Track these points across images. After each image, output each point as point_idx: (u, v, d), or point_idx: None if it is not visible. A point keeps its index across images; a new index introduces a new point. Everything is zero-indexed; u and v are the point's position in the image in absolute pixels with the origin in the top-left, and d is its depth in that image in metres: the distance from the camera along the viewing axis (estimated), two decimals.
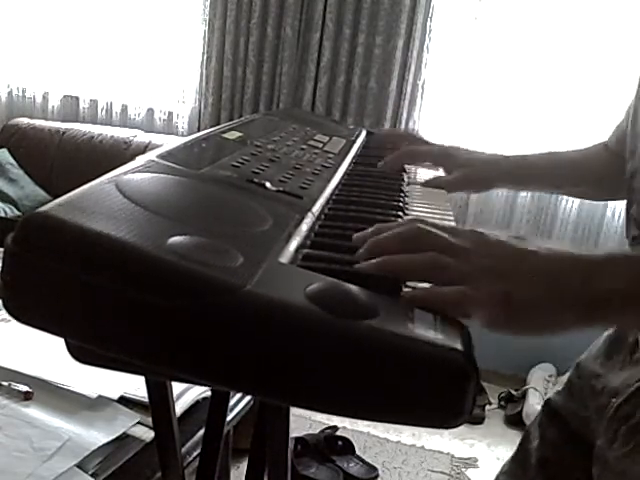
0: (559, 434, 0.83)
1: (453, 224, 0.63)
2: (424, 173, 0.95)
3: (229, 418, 0.94)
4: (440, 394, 0.36)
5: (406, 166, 0.95)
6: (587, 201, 2.55)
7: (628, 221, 0.76)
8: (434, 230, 0.48)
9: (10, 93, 3.24)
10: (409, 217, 0.66)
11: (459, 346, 0.36)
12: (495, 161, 0.92)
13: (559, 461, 0.82)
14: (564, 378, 0.89)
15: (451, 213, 0.72)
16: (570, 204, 2.57)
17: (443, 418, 0.37)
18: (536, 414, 0.90)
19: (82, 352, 0.42)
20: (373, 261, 0.46)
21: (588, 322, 0.47)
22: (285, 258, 0.44)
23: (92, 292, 0.36)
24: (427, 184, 0.89)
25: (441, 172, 0.95)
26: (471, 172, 0.90)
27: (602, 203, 2.51)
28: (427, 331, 0.37)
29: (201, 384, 0.41)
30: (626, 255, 0.51)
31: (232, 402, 1.00)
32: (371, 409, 0.37)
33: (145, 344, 0.37)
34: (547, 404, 0.87)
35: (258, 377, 0.36)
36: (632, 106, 0.79)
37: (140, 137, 2.76)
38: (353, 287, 0.39)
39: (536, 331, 0.45)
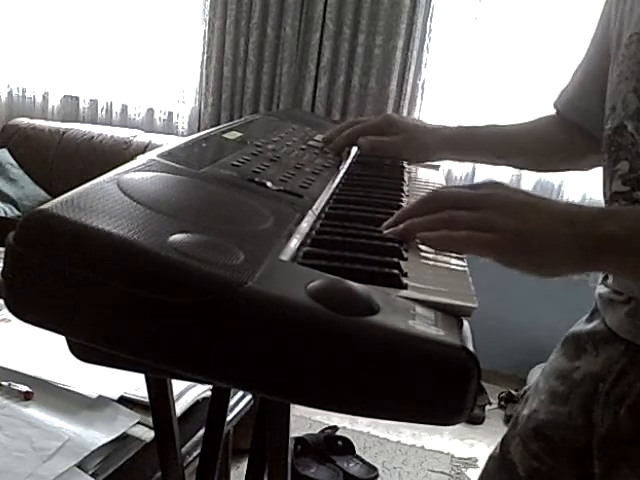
0: (540, 445, 0.82)
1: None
2: (425, 172, 0.95)
3: (229, 418, 0.94)
4: (441, 391, 0.36)
5: (406, 166, 0.95)
6: (588, 200, 2.55)
7: (609, 179, 0.75)
8: (449, 189, 0.54)
9: (10, 93, 3.25)
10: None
11: (460, 342, 0.36)
12: (437, 129, 0.92)
13: (545, 470, 0.81)
14: None
15: None
16: (570, 201, 2.57)
17: (444, 415, 0.37)
18: None
19: (83, 350, 0.42)
20: (396, 227, 0.53)
21: (591, 264, 0.53)
22: (286, 256, 0.44)
23: (93, 290, 0.36)
24: (362, 144, 0.87)
25: (441, 176, 0.95)
26: (410, 137, 0.89)
27: (602, 202, 2.51)
28: (428, 328, 0.37)
29: (202, 381, 0.41)
30: (628, 208, 0.57)
31: (232, 402, 1.00)
32: (372, 406, 0.37)
33: (146, 341, 0.37)
34: (526, 419, 0.86)
35: (259, 374, 0.36)
36: (607, 70, 0.77)
37: (140, 137, 2.76)
38: (354, 284, 0.39)
39: (543, 269, 0.52)
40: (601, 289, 0.78)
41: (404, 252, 0.52)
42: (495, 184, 0.55)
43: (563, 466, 0.78)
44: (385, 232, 0.53)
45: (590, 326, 0.79)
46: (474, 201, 0.52)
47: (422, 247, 0.54)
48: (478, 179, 2.64)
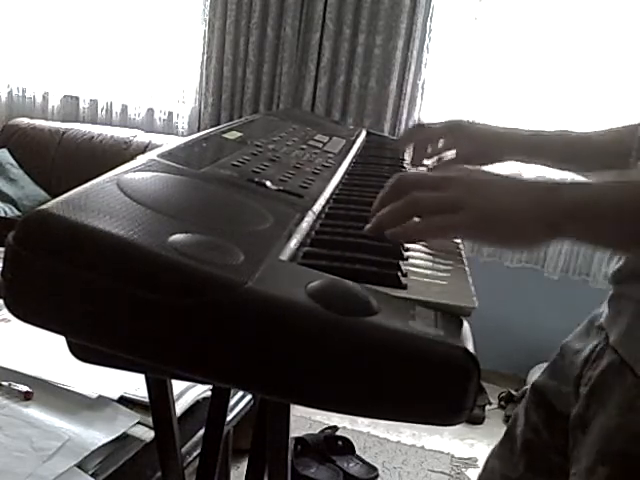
0: (541, 416, 0.83)
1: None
2: (424, 172, 0.95)
3: (229, 418, 0.94)
4: (441, 390, 0.36)
5: (406, 166, 0.95)
6: None
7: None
8: (413, 173, 0.55)
9: (10, 93, 3.24)
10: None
11: (460, 343, 0.36)
12: (505, 136, 0.93)
13: (539, 443, 0.83)
14: None
15: None
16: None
17: (444, 415, 0.37)
18: None
19: (83, 350, 0.42)
20: (370, 224, 0.53)
21: (558, 232, 0.54)
22: (286, 256, 0.44)
23: (93, 290, 0.36)
24: (435, 168, 0.90)
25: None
26: (480, 148, 0.91)
27: None
28: (428, 328, 0.37)
29: (202, 381, 0.41)
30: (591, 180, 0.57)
31: (232, 402, 1.00)
32: (372, 406, 0.37)
33: (146, 341, 0.37)
34: (532, 386, 0.88)
35: (259, 374, 0.36)
36: None
37: (140, 137, 2.76)
38: (354, 284, 0.39)
39: (512, 243, 0.54)
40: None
41: (404, 252, 0.52)
42: (460, 167, 0.56)
43: (556, 440, 0.78)
44: (365, 230, 0.54)
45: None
46: (437, 182, 0.53)
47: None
48: None
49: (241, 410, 1.03)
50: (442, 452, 2.28)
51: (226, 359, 0.36)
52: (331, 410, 0.37)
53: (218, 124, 2.67)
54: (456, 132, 0.93)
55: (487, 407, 2.58)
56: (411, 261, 0.51)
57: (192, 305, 0.35)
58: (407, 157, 1.02)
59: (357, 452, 2.15)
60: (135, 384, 0.95)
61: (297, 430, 2.18)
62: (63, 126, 2.88)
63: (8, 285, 0.38)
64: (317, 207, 0.59)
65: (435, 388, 0.36)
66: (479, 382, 0.36)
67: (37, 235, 0.37)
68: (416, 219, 0.53)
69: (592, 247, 0.68)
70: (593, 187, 0.56)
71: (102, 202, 0.41)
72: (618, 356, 0.68)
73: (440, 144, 0.94)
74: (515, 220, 0.52)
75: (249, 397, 1.04)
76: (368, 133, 1.20)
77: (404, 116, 2.71)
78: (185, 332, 0.36)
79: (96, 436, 0.85)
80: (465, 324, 0.40)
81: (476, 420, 2.48)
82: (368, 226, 0.54)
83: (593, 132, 0.95)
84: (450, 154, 0.94)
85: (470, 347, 0.37)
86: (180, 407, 0.93)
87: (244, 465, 0.91)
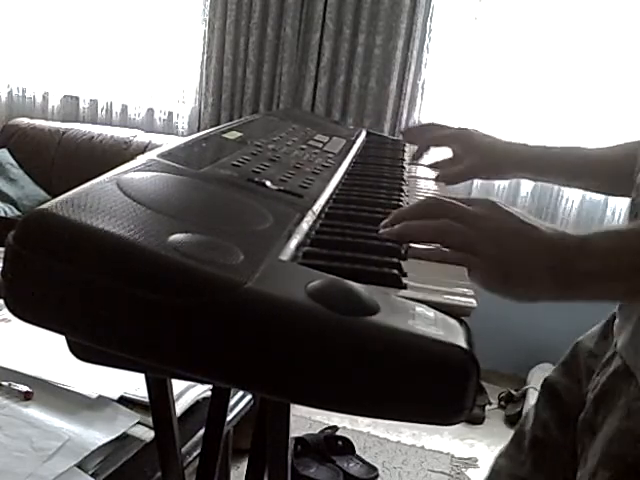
0: (552, 413, 0.83)
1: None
2: (424, 172, 0.95)
3: (229, 418, 0.94)
4: (441, 390, 0.36)
5: (406, 166, 0.95)
6: (587, 201, 2.55)
7: (632, 209, 0.76)
8: (449, 200, 0.55)
9: (10, 93, 3.24)
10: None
11: (460, 342, 0.36)
12: (512, 150, 0.93)
13: (548, 441, 0.83)
14: None
15: None
16: (570, 204, 2.57)
17: (444, 415, 0.37)
18: None
19: (83, 350, 0.42)
20: (394, 227, 0.54)
21: (567, 297, 0.55)
22: (286, 256, 0.44)
23: (93, 289, 0.36)
24: (441, 176, 0.90)
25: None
26: (486, 159, 0.91)
27: (602, 202, 2.52)
28: (428, 327, 0.37)
29: (202, 381, 0.41)
30: (612, 236, 0.57)
31: (232, 402, 1.00)
32: (372, 406, 0.37)
33: (146, 341, 0.37)
34: (544, 383, 0.88)
35: (259, 374, 0.36)
36: None
37: (140, 137, 2.76)
38: (354, 284, 0.39)
39: (520, 296, 0.54)
40: None
41: (403, 252, 0.52)
42: (492, 204, 0.55)
43: (568, 438, 0.78)
44: (381, 232, 0.54)
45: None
46: (470, 218, 0.54)
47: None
48: (476, 185, 2.63)
49: (241, 410, 1.03)
50: (442, 452, 2.27)
51: (226, 359, 0.36)
52: (331, 410, 0.37)
53: (218, 124, 2.67)
54: (465, 141, 0.92)
55: (487, 407, 2.58)
56: (411, 261, 0.51)
57: (192, 305, 0.35)
58: (407, 157, 1.02)
59: (357, 452, 2.15)
60: (135, 384, 0.95)
61: (297, 430, 2.18)
62: (63, 126, 2.88)
63: (8, 285, 0.38)
64: (317, 207, 0.59)
65: (435, 388, 0.36)
66: (479, 382, 0.36)
67: (37, 235, 0.37)
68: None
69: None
70: (612, 257, 0.55)
71: (102, 202, 0.41)
72: (624, 363, 0.68)
73: (447, 150, 0.94)
74: (526, 278, 0.53)
75: (249, 397, 1.04)
76: (368, 133, 1.20)
77: (404, 116, 2.71)
78: (185, 332, 0.36)
79: (96, 436, 0.85)
80: (465, 324, 0.40)
81: (476, 420, 2.48)
82: (390, 229, 0.54)
83: (605, 148, 0.94)
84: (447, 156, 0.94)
85: (470, 347, 0.37)
86: (180, 407, 0.93)
87: (244, 465, 0.91)
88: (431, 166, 0.96)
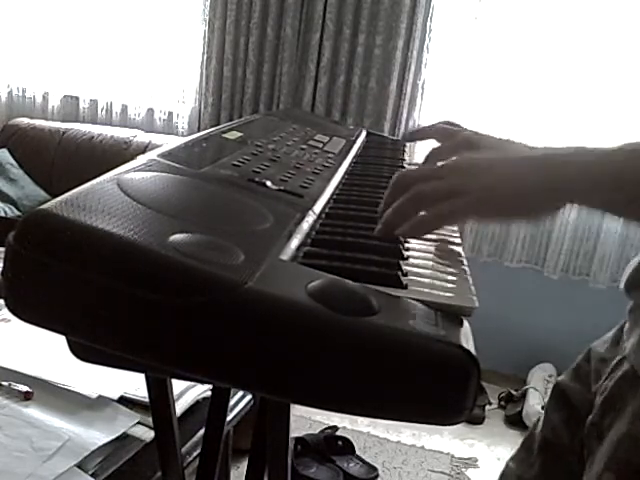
0: (562, 417, 0.83)
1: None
2: None
3: (229, 418, 0.94)
4: (441, 390, 0.36)
5: (406, 164, 0.95)
6: None
7: None
8: (412, 168, 0.56)
9: (10, 93, 3.25)
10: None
11: (460, 342, 0.36)
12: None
13: (557, 444, 0.83)
14: None
15: None
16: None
17: (444, 415, 0.37)
18: (536, 414, 0.90)
19: (83, 350, 0.42)
20: (378, 227, 0.54)
21: (557, 199, 0.54)
22: (286, 256, 0.44)
23: (93, 289, 0.36)
24: None
25: None
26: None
27: None
28: (428, 327, 0.37)
29: (202, 381, 0.41)
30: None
31: (232, 402, 1.00)
32: (372, 406, 0.37)
33: (146, 341, 0.37)
34: (556, 386, 0.88)
35: (259, 374, 0.36)
36: None
37: (140, 137, 2.76)
38: (354, 284, 0.39)
39: (519, 214, 0.54)
40: None
41: (404, 252, 0.52)
42: (463, 155, 0.57)
43: (575, 442, 0.78)
44: (375, 232, 0.55)
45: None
46: (437, 172, 0.54)
47: (412, 241, 0.55)
48: None
49: (241, 410, 1.03)
50: (442, 452, 2.27)
51: (226, 359, 0.36)
52: (331, 410, 0.37)
53: (218, 124, 2.67)
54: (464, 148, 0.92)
55: (487, 407, 2.58)
56: (411, 261, 0.51)
57: (192, 305, 0.35)
58: (407, 157, 1.02)
59: (357, 452, 2.15)
60: (135, 384, 0.95)
61: (297, 430, 2.18)
62: (63, 126, 2.88)
63: (8, 285, 0.38)
64: (317, 207, 0.59)
65: (435, 388, 0.36)
66: (479, 382, 0.36)
67: (37, 235, 0.37)
68: (422, 213, 0.53)
69: (599, 212, 0.68)
70: (594, 153, 0.55)
71: (102, 202, 0.41)
72: (632, 367, 0.68)
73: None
74: (517, 190, 0.52)
75: (249, 397, 1.04)
76: (368, 133, 1.20)
77: (404, 116, 2.71)
78: (185, 332, 0.36)
79: (96, 436, 0.84)
80: (465, 324, 0.40)
81: (476, 420, 2.48)
82: (378, 228, 0.55)
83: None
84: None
85: (470, 347, 0.37)
86: (180, 407, 0.93)
87: (244, 465, 0.91)
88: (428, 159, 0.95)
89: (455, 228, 0.61)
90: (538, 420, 0.89)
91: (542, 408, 0.90)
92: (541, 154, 0.55)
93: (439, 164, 0.55)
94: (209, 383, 0.51)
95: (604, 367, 0.77)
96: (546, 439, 0.84)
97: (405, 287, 0.44)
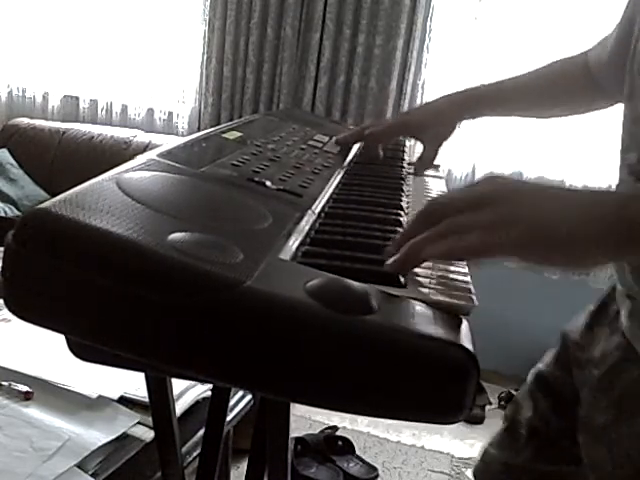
0: (548, 403, 0.84)
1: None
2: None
3: (229, 418, 0.94)
4: (440, 389, 0.36)
5: (406, 165, 0.95)
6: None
7: (619, 167, 0.72)
8: (446, 195, 0.48)
9: (10, 93, 3.24)
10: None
11: (459, 342, 0.36)
12: (462, 95, 0.95)
13: (547, 430, 0.83)
14: None
15: None
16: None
17: (443, 414, 0.37)
18: None
19: (83, 349, 0.42)
20: (397, 256, 0.45)
21: (622, 250, 0.46)
22: (285, 255, 0.44)
23: (92, 288, 0.36)
24: (417, 167, 0.90)
25: (442, 179, 0.95)
26: (439, 106, 0.93)
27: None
28: (427, 326, 0.37)
29: (201, 380, 0.41)
30: None
31: (232, 402, 1.00)
32: (371, 405, 0.37)
33: (145, 340, 0.37)
34: (536, 375, 0.88)
35: (258, 372, 0.36)
36: (632, 43, 0.71)
37: (140, 137, 2.76)
38: (353, 283, 0.39)
39: (573, 261, 0.45)
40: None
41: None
42: (493, 177, 0.47)
43: (566, 424, 0.79)
44: (388, 263, 0.45)
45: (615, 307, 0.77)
46: (476, 200, 0.45)
47: None
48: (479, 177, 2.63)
49: (241, 410, 1.03)
50: (442, 452, 2.27)
51: (225, 358, 0.36)
52: (331, 409, 0.37)
53: (218, 124, 2.67)
54: (399, 127, 0.93)
55: (487, 407, 2.58)
56: None
57: (191, 303, 0.35)
58: (407, 157, 1.02)
59: (357, 452, 2.15)
60: (135, 384, 0.95)
61: (297, 430, 2.18)
62: (63, 126, 2.88)
63: (8, 284, 0.38)
64: (317, 206, 0.59)
65: (434, 387, 0.36)
66: (478, 381, 0.36)
67: (36, 234, 0.37)
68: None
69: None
70: None
71: (101, 201, 0.41)
72: (623, 359, 0.68)
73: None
74: (578, 235, 0.44)
75: (249, 397, 1.04)
76: None
77: None
78: (184, 331, 0.36)
79: (96, 436, 0.84)
80: (465, 323, 0.40)
81: (476, 420, 2.48)
82: (395, 257, 0.45)
83: (527, 73, 0.93)
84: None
85: (469, 346, 0.37)
86: (180, 407, 0.93)
87: (244, 465, 0.91)
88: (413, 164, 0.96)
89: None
90: (516, 405, 0.89)
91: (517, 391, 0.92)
92: (611, 201, 0.46)
93: (471, 190, 0.47)
94: (209, 383, 0.51)
95: (582, 354, 0.78)
96: (535, 427, 0.85)
97: (404, 286, 0.44)
